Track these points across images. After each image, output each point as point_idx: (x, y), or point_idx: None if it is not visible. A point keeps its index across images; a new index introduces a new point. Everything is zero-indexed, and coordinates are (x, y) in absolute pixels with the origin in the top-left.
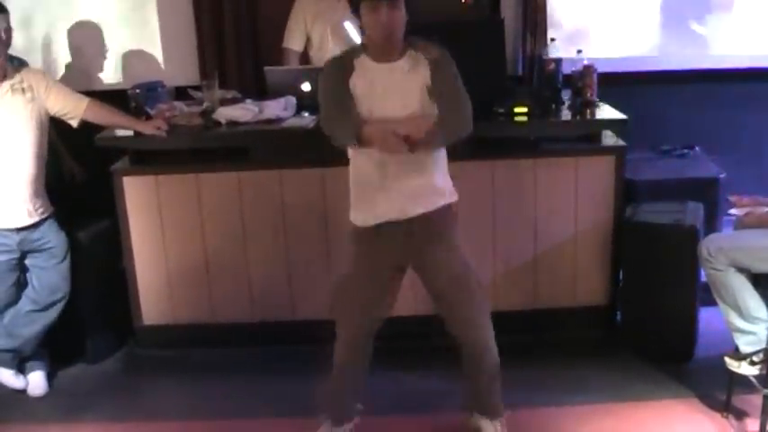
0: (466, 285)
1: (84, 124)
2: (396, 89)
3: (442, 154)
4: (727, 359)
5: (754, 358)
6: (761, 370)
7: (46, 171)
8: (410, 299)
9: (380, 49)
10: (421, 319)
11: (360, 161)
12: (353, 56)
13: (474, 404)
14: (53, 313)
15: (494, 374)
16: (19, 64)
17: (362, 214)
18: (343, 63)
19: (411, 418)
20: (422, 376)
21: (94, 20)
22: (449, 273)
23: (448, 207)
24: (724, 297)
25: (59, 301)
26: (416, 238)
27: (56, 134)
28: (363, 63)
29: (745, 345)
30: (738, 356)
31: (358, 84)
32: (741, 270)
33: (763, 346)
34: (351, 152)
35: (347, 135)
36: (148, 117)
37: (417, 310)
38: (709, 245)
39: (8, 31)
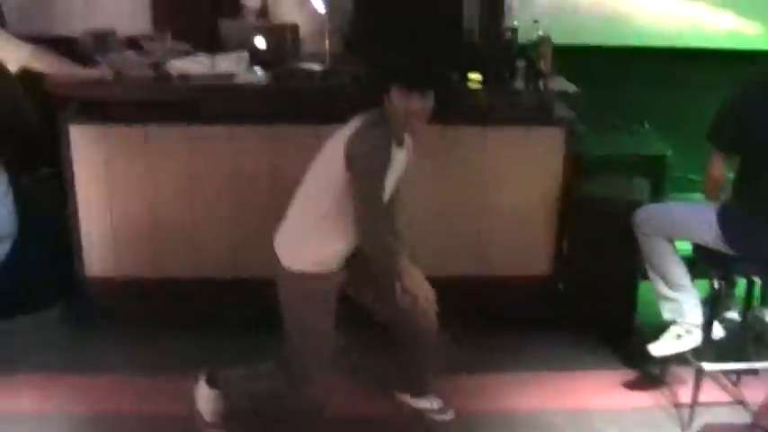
0: None
1: (25, 71)
2: (400, 171)
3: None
4: (650, 347)
5: (679, 331)
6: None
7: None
8: None
9: (401, 132)
10: None
11: (336, 235)
12: (390, 144)
13: (412, 387)
14: None
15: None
16: None
17: (326, 258)
18: (390, 152)
19: None
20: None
21: None
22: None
23: None
24: (652, 263)
25: (5, 239)
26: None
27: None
28: (394, 150)
29: (668, 312)
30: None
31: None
32: (668, 239)
33: (684, 317)
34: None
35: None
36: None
37: None
38: (642, 212)
39: None
